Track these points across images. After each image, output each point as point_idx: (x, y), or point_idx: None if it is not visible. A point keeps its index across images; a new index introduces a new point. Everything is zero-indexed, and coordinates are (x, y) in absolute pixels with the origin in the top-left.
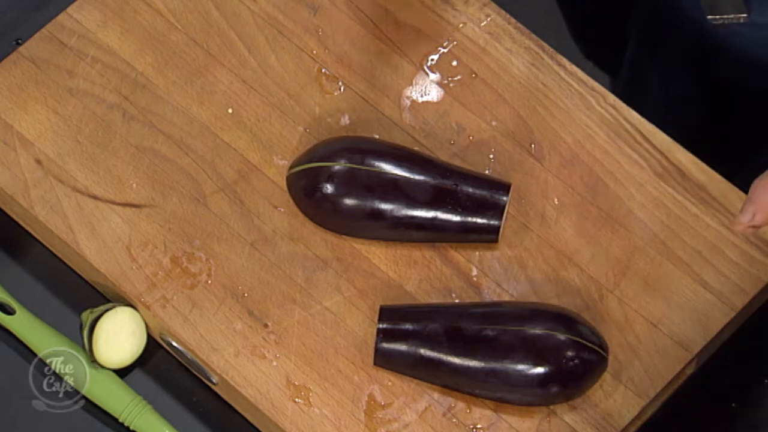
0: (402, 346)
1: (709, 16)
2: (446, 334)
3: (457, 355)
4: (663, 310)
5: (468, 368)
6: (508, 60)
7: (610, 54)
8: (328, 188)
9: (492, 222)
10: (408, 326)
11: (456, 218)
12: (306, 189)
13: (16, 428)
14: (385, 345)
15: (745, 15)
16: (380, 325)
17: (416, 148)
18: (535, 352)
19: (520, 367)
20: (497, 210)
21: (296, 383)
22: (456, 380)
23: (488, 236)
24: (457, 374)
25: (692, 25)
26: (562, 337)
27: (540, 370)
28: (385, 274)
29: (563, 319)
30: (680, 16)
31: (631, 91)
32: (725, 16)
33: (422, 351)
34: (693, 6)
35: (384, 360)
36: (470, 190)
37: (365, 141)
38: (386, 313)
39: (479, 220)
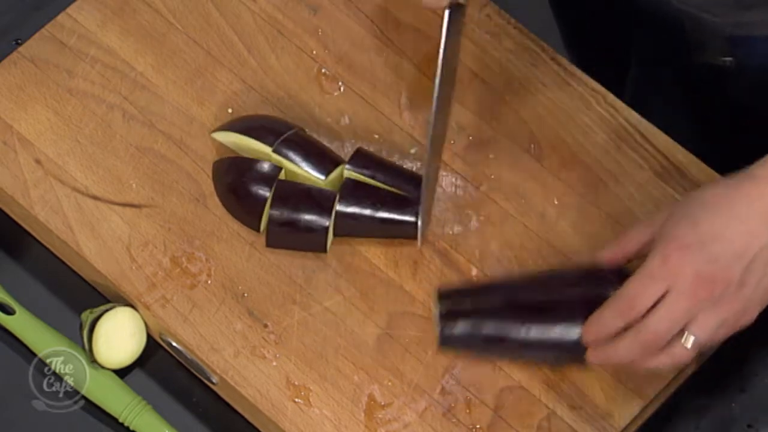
0: (465, 327)
1: (696, 56)
2: (508, 308)
3: (522, 327)
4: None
5: (534, 339)
6: (508, 60)
7: (609, 75)
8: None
9: (409, 218)
10: (468, 306)
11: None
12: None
13: (16, 428)
14: (448, 329)
15: (730, 59)
16: (441, 310)
17: (413, 150)
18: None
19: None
20: (417, 207)
21: (296, 383)
22: (522, 353)
23: (408, 231)
24: (524, 347)
25: (689, 54)
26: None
27: None
28: (385, 274)
29: (622, 278)
30: (678, 48)
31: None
32: (711, 60)
33: (486, 329)
34: (686, 44)
35: (448, 343)
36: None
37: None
38: (444, 296)
39: (397, 216)
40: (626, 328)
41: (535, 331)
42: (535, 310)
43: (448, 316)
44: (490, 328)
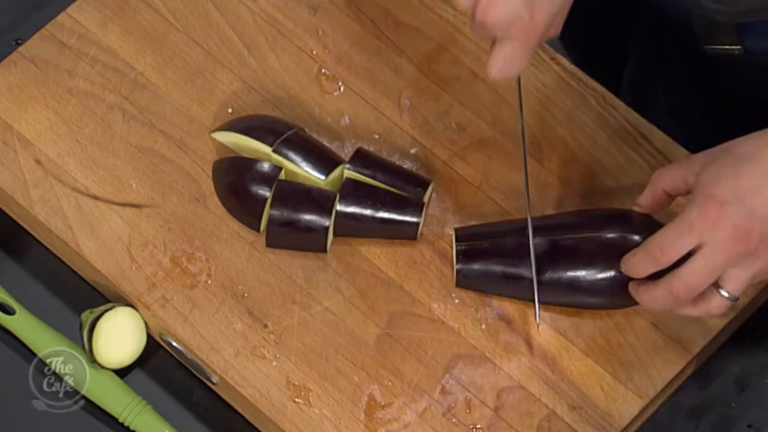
0: (482, 266)
1: (705, 46)
2: (525, 248)
3: (537, 267)
4: (663, 310)
5: (549, 279)
6: None
7: (607, 72)
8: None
9: (412, 219)
10: (485, 244)
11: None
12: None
13: (16, 428)
14: (465, 267)
15: (739, 47)
16: (458, 249)
17: (413, 150)
18: (617, 256)
19: (600, 272)
20: (417, 207)
21: (296, 383)
22: (538, 293)
23: (409, 232)
24: (539, 287)
25: (693, 50)
26: (637, 238)
27: (620, 274)
28: (385, 274)
29: (639, 221)
30: (680, 41)
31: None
32: (720, 47)
33: (502, 267)
34: (691, 34)
35: (465, 282)
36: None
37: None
38: (462, 235)
39: (398, 217)
40: (657, 276)
41: (551, 272)
42: (552, 251)
43: (465, 255)
44: (506, 267)
